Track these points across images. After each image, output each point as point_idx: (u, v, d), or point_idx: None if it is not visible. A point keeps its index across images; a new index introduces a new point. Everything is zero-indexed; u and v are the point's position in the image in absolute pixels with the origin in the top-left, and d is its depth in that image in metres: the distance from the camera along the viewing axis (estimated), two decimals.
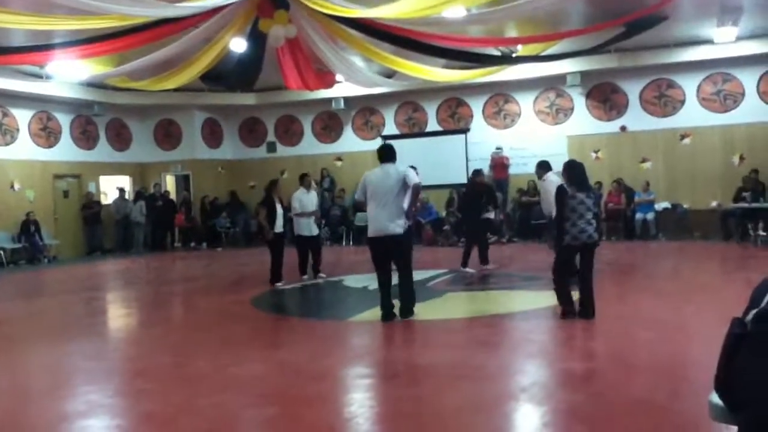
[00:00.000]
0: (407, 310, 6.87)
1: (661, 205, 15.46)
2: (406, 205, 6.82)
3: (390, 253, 6.84)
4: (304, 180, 10.59)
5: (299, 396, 4.66)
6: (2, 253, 15.07)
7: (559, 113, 16.86)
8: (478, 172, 11.40)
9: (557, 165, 8.77)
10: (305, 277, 10.34)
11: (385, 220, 6.70)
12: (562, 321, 6.57)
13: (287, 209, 10.57)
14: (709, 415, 1.94)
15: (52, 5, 7.83)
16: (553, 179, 8.67)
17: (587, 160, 15.83)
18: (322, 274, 10.53)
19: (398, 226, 6.73)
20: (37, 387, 5.41)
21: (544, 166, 9.40)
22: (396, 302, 6.93)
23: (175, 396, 4.81)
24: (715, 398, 1.73)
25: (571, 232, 6.49)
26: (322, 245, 10.72)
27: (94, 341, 7.08)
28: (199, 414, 4.34)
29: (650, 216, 15.18)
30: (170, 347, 6.56)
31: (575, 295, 6.71)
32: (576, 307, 6.66)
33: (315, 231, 10.42)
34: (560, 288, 6.68)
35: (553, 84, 16.51)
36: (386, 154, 6.98)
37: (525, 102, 17.17)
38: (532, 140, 16.57)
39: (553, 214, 7.04)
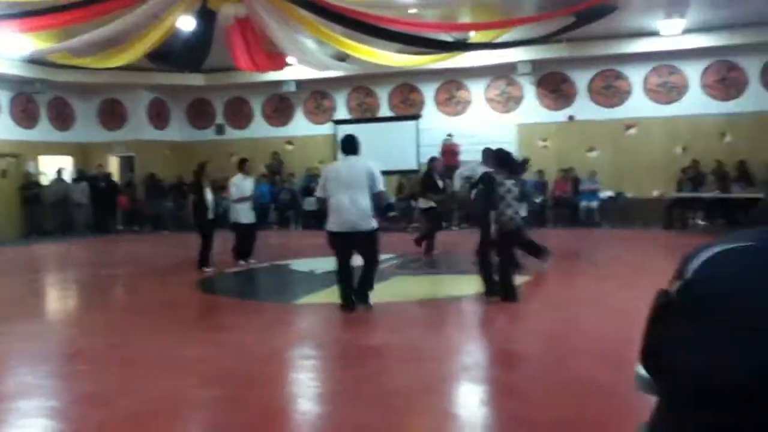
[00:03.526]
0: (365, 297, 6.60)
1: (605, 194, 15.79)
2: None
3: (357, 248, 6.54)
4: (243, 165, 10.28)
5: (243, 377, 4.60)
6: None
7: (510, 101, 17.01)
8: (432, 159, 11.44)
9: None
10: (241, 262, 10.13)
11: (354, 214, 6.34)
12: (505, 304, 6.63)
13: (218, 194, 10.29)
14: (635, 388, 1.96)
15: None
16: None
17: (535, 149, 16.09)
18: (252, 260, 10.22)
19: (368, 221, 6.43)
20: None
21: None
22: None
23: (113, 377, 4.68)
24: (641, 370, 1.75)
25: (500, 219, 6.59)
26: (256, 233, 10.40)
27: (30, 323, 6.84)
28: (139, 395, 4.24)
29: (594, 204, 15.50)
30: (110, 329, 6.39)
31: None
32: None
33: (252, 218, 10.11)
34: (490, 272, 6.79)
35: (504, 72, 16.64)
36: (350, 146, 6.62)
37: (476, 89, 17.27)
38: (483, 128, 16.69)
39: None
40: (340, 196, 6.39)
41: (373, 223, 6.50)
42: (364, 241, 6.47)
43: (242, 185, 9.96)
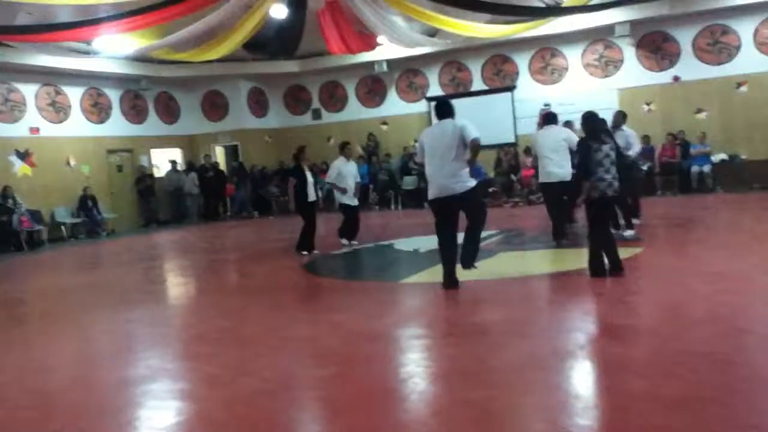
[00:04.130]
0: (470, 260, 6.50)
1: (717, 157, 14.96)
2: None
3: (461, 210, 6.43)
4: (344, 149, 10.32)
5: (354, 356, 4.71)
6: (63, 228, 15.56)
7: (609, 65, 16.36)
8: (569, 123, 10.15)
9: (609, 119, 8.62)
10: (345, 242, 10.27)
11: (447, 179, 6.25)
12: (617, 278, 6.42)
13: (317, 176, 10.34)
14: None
15: None
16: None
17: (640, 113, 15.42)
18: (354, 242, 10.33)
19: (463, 184, 6.28)
20: (101, 353, 5.59)
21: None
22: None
23: (232, 358, 4.91)
24: None
25: (599, 186, 6.35)
26: (359, 215, 10.47)
27: (152, 308, 7.27)
28: (256, 374, 4.42)
29: (707, 168, 14.72)
30: (225, 312, 6.68)
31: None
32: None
33: (355, 201, 10.20)
34: (594, 246, 6.54)
35: (601, 35, 16.01)
36: (443, 110, 6.48)
37: (572, 55, 16.71)
38: (581, 95, 16.15)
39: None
40: (431, 162, 6.38)
41: (470, 183, 6.38)
42: (465, 205, 6.39)
43: (344, 169, 10.05)
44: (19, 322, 7.24)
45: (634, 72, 16.08)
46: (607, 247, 6.48)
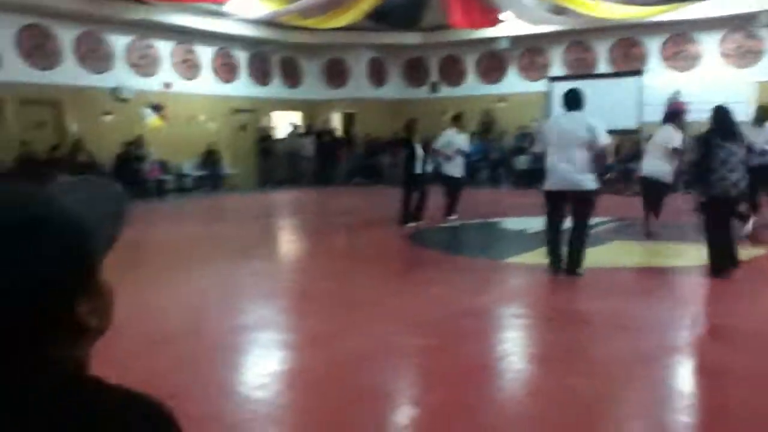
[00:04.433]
0: (575, 266, 6.34)
1: None
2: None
3: (572, 206, 6.32)
4: (458, 120, 10.37)
5: (452, 330, 4.79)
6: (188, 179, 16.49)
7: (748, 56, 15.32)
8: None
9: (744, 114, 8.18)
10: (451, 217, 10.29)
11: (573, 172, 6.09)
12: (733, 279, 6.13)
13: (426, 148, 10.36)
14: None
15: None
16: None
17: None
18: (453, 216, 10.31)
19: (588, 180, 6.13)
20: (215, 300, 5.97)
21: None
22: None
23: (335, 319, 5.11)
24: None
25: (722, 185, 6.02)
26: (463, 187, 10.47)
27: (265, 263, 7.65)
28: (356, 338, 4.60)
29: None
30: (330, 274, 6.94)
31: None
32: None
33: (461, 171, 10.21)
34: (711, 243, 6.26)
35: (741, 23, 14.98)
36: (574, 101, 6.29)
37: (708, 43, 15.75)
38: (716, 85, 15.23)
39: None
40: (558, 153, 6.21)
41: (593, 183, 6.23)
42: (580, 202, 6.26)
43: (454, 139, 10.11)
44: (140, 265, 7.80)
45: None
46: (727, 246, 6.19)
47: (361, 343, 4.48)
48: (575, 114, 6.28)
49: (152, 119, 15.98)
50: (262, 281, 6.66)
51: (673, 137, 8.33)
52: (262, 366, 4.10)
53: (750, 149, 6.22)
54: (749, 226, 8.24)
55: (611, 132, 15.47)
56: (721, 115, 6.23)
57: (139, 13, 14.35)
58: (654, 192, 8.62)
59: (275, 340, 4.64)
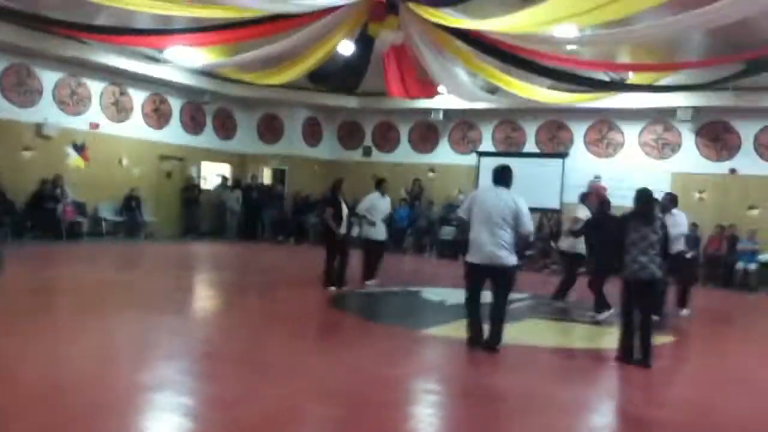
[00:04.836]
0: (494, 341, 6.32)
1: (765, 257, 14.55)
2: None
3: (492, 282, 6.35)
4: (381, 185, 10.39)
5: (363, 400, 4.64)
6: (104, 224, 15.86)
7: (666, 147, 16.18)
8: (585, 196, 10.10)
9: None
10: (368, 282, 10.20)
11: (495, 247, 6.15)
12: (643, 365, 6.21)
13: (352, 210, 10.37)
14: None
15: None
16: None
17: (691, 200, 15.14)
18: (375, 280, 10.21)
19: (510, 257, 6.20)
20: (118, 353, 5.62)
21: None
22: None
23: (241, 381, 4.88)
24: None
25: (631, 267, 6.19)
26: (383, 251, 10.46)
27: (176, 317, 7.31)
28: (262, 402, 4.39)
29: (752, 266, 14.31)
30: (243, 332, 6.69)
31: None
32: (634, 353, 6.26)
33: (383, 236, 10.20)
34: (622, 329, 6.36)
35: (662, 116, 15.87)
36: (503, 178, 6.39)
37: (630, 132, 16.57)
38: (634, 173, 15.95)
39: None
40: (482, 227, 6.23)
41: (513, 260, 6.29)
42: (501, 277, 6.29)
43: (378, 203, 10.13)
44: (49, 310, 7.34)
45: (690, 158, 15.85)
46: (634, 332, 6.26)
47: (267, 409, 4.27)
48: (502, 191, 6.34)
49: (74, 158, 15.43)
50: (169, 337, 6.33)
51: (580, 212, 9.07)
52: (156, 430, 3.83)
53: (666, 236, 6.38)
54: (684, 311, 8.60)
55: (534, 210, 16.00)
56: (641, 198, 6.43)
57: (73, 51, 14.01)
58: (568, 265, 9.29)
59: (174, 402, 4.36)
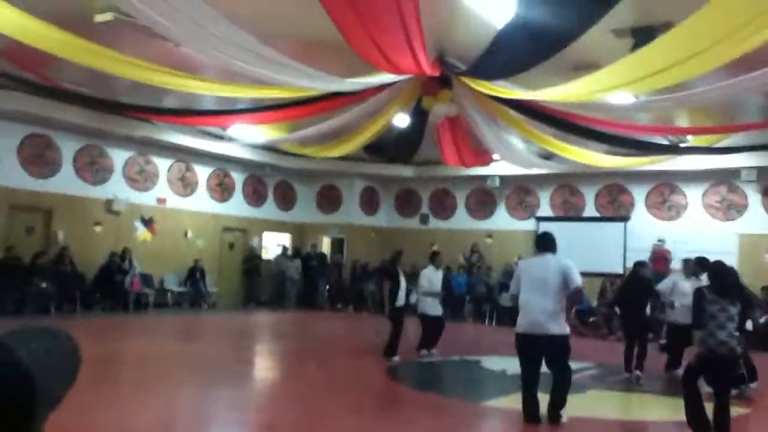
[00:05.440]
0: (557, 413, 6.11)
1: None
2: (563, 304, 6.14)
3: (545, 354, 6.13)
4: (435, 258, 10.37)
5: None
6: (169, 295, 16.32)
7: (731, 209, 15.75)
8: (642, 264, 10.09)
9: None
10: (424, 352, 10.07)
11: (543, 316, 5.95)
12: None
13: (410, 277, 10.30)
14: None
15: (237, 75, 8.64)
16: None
17: (760, 262, 14.60)
18: (434, 351, 10.11)
19: (559, 325, 5.99)
20: (175, 429, 5.72)
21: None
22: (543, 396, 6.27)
23: None
24: None
25: (708, 342, 5.86)
26: (443, 326, 10.38)
27: (236, 390, 7.40)
28: None
29: None
30: (301, 405, 6.71)
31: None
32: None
33: (439, 311, 10.15)
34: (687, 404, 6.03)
35: (725, 177, 15.52)
36: (546, 243, 6.33)
37: (693, 194, 16.24)
38: (698, 235, 15.54)
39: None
40: (529, 295, 6.11)
41: (565, 329, 6.12)
42: (553, 347, 6.08)
43: (432, 277, 10.11)
44: (107, 381, 7.55)
45: (757, 219, 15.37)
46: (699, 406, 5.94)
47: None
48: (548, 257, 6.25)
49: (142, 232, 16.05)
50: (229, 411, 6.41)
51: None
52: None
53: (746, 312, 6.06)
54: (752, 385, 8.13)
55: (596, 275, 15.67)
56: (718, 273, 6.12)
57: (142, 131, 14.76)
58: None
59: None
